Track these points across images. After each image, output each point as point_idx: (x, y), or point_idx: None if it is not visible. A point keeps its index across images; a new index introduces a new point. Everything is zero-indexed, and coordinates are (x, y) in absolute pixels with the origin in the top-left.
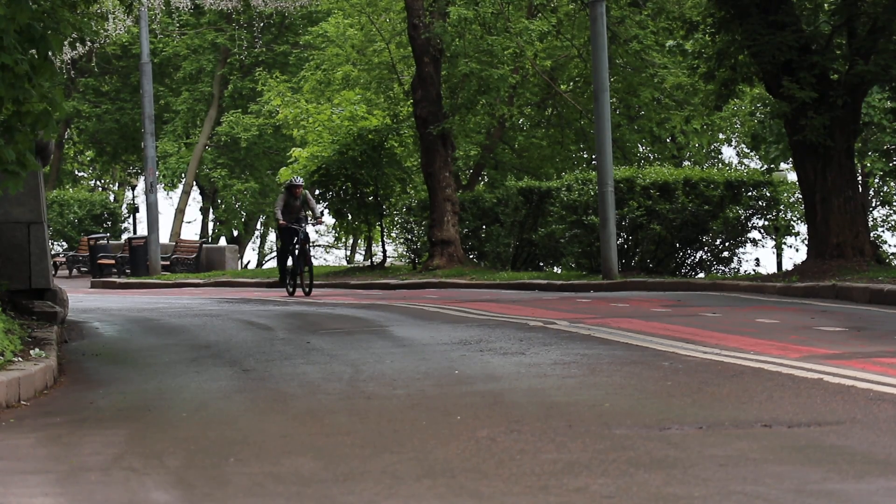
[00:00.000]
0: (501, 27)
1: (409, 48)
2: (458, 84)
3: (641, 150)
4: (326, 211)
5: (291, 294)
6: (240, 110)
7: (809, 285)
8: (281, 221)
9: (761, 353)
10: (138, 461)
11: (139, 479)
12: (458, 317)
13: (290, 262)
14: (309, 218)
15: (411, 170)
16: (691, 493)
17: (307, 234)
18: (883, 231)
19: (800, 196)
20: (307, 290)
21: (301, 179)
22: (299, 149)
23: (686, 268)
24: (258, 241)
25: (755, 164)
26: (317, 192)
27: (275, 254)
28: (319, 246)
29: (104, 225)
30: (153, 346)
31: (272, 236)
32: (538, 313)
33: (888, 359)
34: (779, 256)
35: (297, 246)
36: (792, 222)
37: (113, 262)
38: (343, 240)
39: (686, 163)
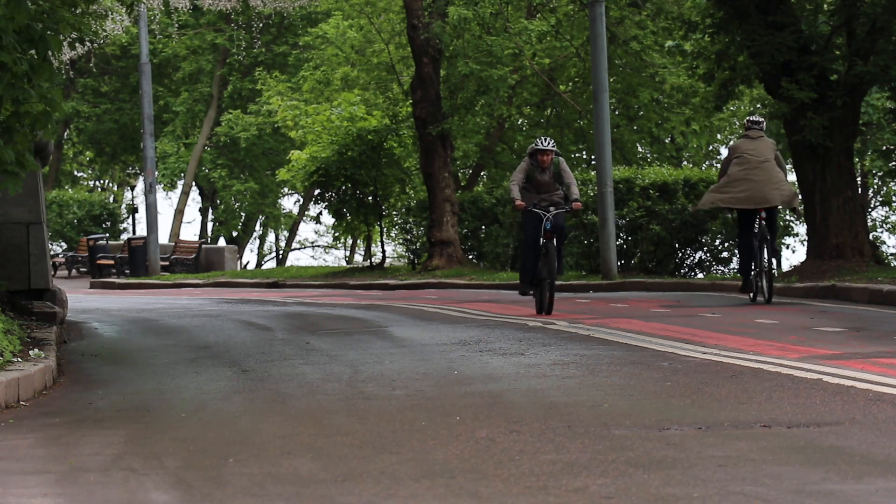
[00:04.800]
0: (500, 27)
1: (409, 49)
2: (457, 84)
3: (641, 150)
4: (325, 212)
5: (538, 312)
6: (239, 110)
7: (808, 286)
8: (518, 202)
9: (760, 354)
10: (137, 461)
11: (138, 479)
12: (458, 317)
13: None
14: (559, 198)
15: (410, 170)
16: (690, 493)
17: (560, 224)
18: (882, 232)
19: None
20: (547, 305)
21: (552, 142)
22: (298, 151)
23: (685, 268)
24: (257, 242)
25: None
26: (316, 192)
27: (274, 254)
28: (319, 246)
29: (103, 225)
30: (152, 347)
31: (271, 236)
32: (537, 314)
33: (887, 359)
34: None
35: (543, 241)
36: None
37: (112, 262)
38: (342, 240)
39: (685, 163)
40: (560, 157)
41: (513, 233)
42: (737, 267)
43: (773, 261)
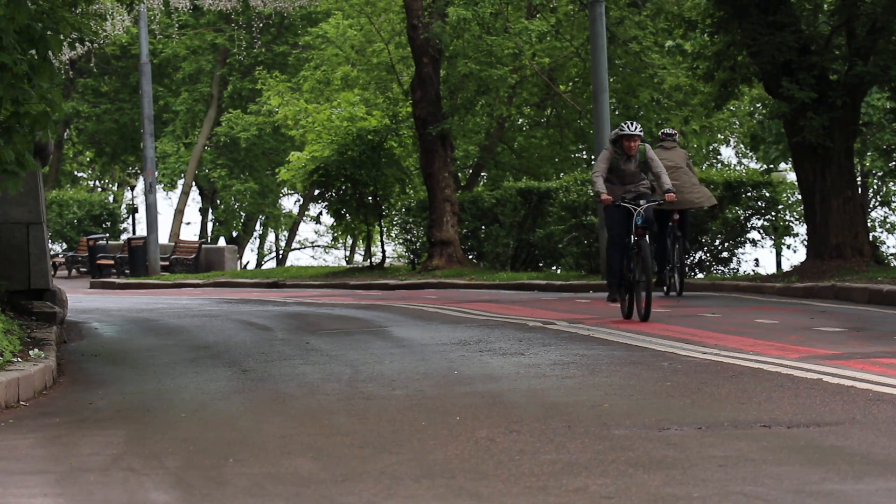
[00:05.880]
0: (500, 27)
1: (409, 49)
2: (457, 84)
3: None
4: (325, 212)
5: (626, 316)
6: (239, 110)
7: (808, 286)
8: (604, 196)
9: (760, 354)
10: (137, 461)
11: (138, 479)
12: (458, 317)
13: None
14: (646, 189)
15: (410, 170)
16: (690, 493)
17: (650, 217)
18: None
19: (799, 196)
20: (644, 311)
21: (639, 127)
22: (298, 152)
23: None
24: (257, 242)
25: (754, 164)
26: (316, 192)
27: (274, 254)
28: (319, 246)
29: (103, 225)
30: (152, 347)
31: (271, 236)
32: (537, 314)
33: (887, 359)
34: (778, 257)
35: (634, 238)
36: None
37: (112, 262)
38: (342, 240)
39: None
40: (646, 144)
41: (512, 233)
42: (736, 267)
43: (685, 257)
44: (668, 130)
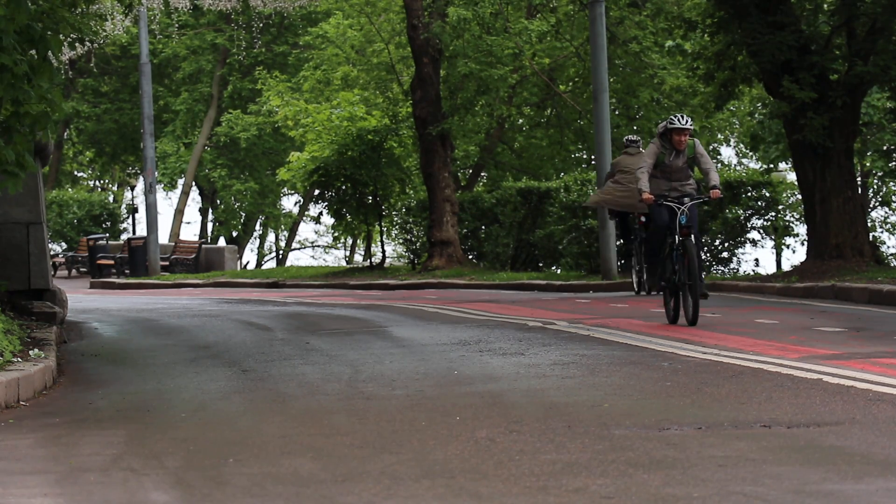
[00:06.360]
0: (500, 27)
1: (409, 48)
2: (457, 84)
3: None
4: (325, 212)
5: (671, 321)
6: (239, 110)
7: (809, 286)
8: (645, 194)
9: (760, 354)
10: (137, 462)
11: (138, 479)
12: (458, 317)
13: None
14: (692, 188)
15: (410, 170)
16: (690, 493)
17: (696, 217)
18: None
19: (799, 196)
20: (691, 315)
21: (689, 120)
22: (297, 153)
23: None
24: (257, 242)
25: (754, 164)
26: (316, 192)
27: (274, 254)
28: (319, 246)
29: (103, 225)
30: (152, 347)
31: (271, 236)
32: (537, 314)
33: (887, 359)
34: (778, 257)
35: (677, 238)
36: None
37: (112, 262)
38: (342, 240)
39: None
40: (695, 139)
41: (512, 233)
42: (736, 267)
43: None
44: (631, 137)
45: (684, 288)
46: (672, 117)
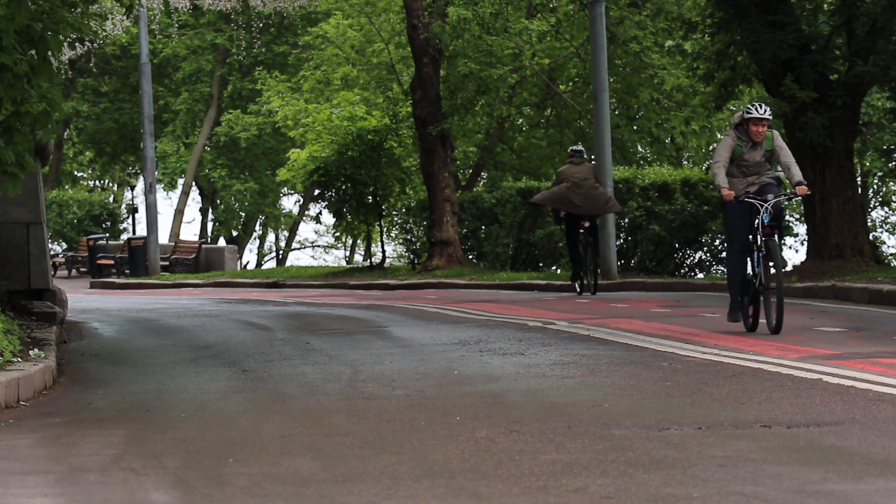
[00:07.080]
0: (500, 27)
1: (409, 48)
2: (457, 84)
3: (640, 150)
4: (325, 211)
5: (750, 329)
6: (239, 110)
7: (808, 286)
8: (725, 191)
9: (760, 354)
10: (137, 462)
11: (138, 479)
12: (458, 317)
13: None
14: (771, 179)
15: (410, 170)
16: (690, 493)
17: (780, 210)
18: (882, 232)
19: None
20: (775, 323)
21: (769, 109)
22: (298, 150)
23: (685, 268)
24: (257, 242)
25: None
26: (316, 192)
27: (274, 254)
28: (319, 246)
29: (103, 225)
30: (152, 347)
31: (271, 236)
32: (537, 314)
33: (887, 359)
34: None
35: (761, 239)
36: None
37: (112, 262)
38: (342, 240)
39: (685, 163)
40: (774, 131)
41: (512, 233)
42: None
43: (597, 260)
44: (575, 148)
45: (767, 292)
46: (749, 105)
